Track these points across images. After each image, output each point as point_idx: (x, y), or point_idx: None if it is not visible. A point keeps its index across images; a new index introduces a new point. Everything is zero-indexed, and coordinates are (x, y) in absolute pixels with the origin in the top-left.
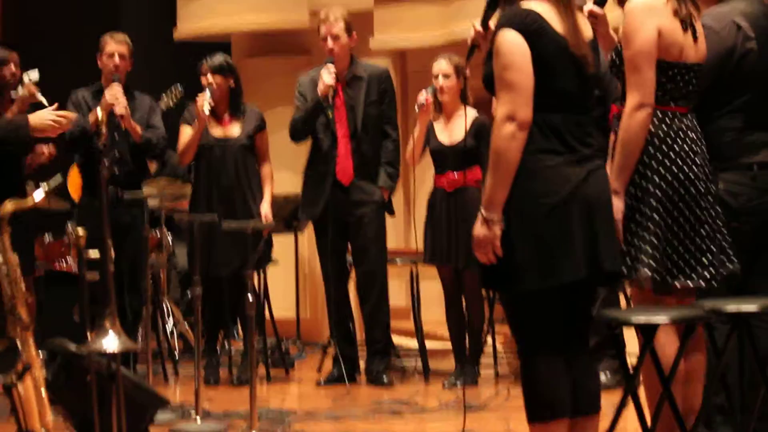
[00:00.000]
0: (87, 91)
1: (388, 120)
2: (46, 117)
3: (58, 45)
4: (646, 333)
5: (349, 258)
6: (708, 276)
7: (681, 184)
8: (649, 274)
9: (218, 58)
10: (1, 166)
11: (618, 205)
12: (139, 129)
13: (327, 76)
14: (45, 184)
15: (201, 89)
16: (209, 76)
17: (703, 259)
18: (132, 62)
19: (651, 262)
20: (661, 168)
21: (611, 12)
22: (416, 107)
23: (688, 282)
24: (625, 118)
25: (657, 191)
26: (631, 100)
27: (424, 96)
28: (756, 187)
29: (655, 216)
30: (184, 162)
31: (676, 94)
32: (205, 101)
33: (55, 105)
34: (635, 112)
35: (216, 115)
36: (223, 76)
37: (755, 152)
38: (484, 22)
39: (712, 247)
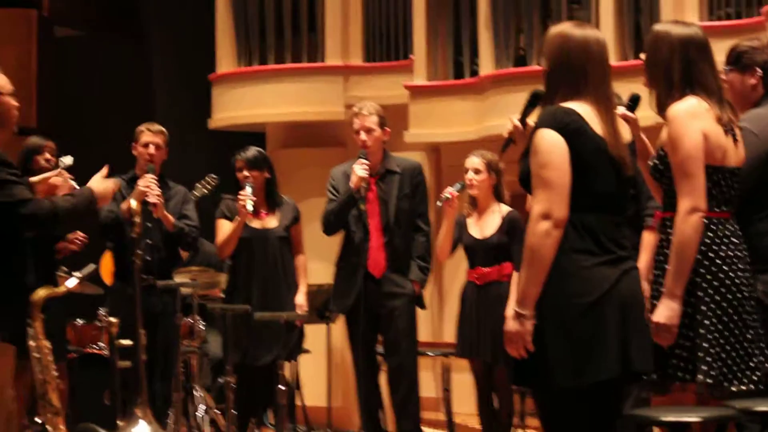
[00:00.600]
0: (121, 180)
1: (420, 214)
2: (105, 184)
3: (94, 133)
4: None
5: (380, 349)
6: (756, 378)
7: (728, 289)
8: (703, 378)
9: (252, 152)
10: (34, 252)
11: (676, 308)
12: (171, 218)
13: (360, 169)
14: (78, 273)
15: (234, 178)
16: (245, 172)
17: (751, 362)
18: (167, 152)
19: (705, 367)
20: (708, 274)
21: (641, 113)
22: (437, 203)
23: (742, 387)
24: (678, 223)
25: (706, 297)
26: (684, 204)
27: (447, 192)
28: None
29: (706, 321)
30: (223, 255)
31: (720, 198)
32: (248, 200)
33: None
34: (689, 216)
35: (253, 207)
36: (258, 170)
37: None
38: (523, 119)
39: (756, 350)
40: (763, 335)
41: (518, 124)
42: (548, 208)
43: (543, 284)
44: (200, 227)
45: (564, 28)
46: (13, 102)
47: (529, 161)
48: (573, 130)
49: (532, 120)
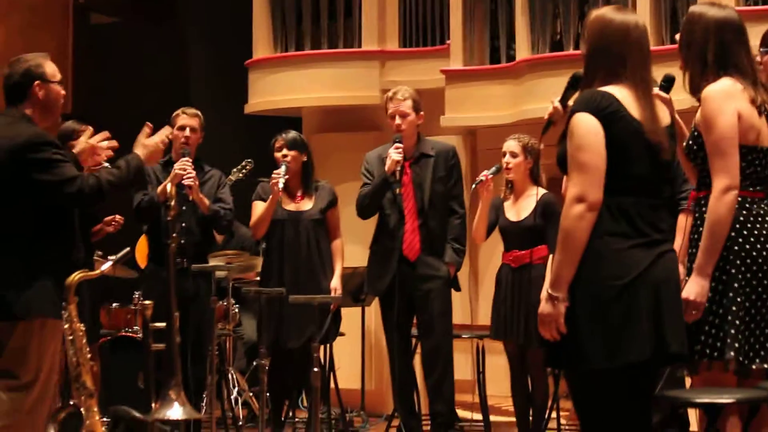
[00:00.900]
0: (157, 164)
1: (455, 197)
2: (151, 146)
3: (129, 118)
4: (711, 414)
5: (415, 331)
6: None
7: (759, 268)
8: (734, 355)
9: (292, 134)
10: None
11: (705, 285)
12: (206, 201)
13: (395, 153)
14: (114, 257)
15: (270, 163)
16: (284, 151)
17: None
18: (202, 136)
19: (735, 344)
20: (742, 252)
21: (676, 96)
22: (472, 186)
23: (764, 365)
24: (713, 201)
25: (739, 275)
26: (719, 183)
27: (482, 175)
28: None
29: (738, 299)
30: (257, 236)
31: (754, 178)
32: (280, 176)
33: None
34: (723, 195)
35: (289, 190)
36: (297, 151)
37: None
38: (563, 101)
39: None
40: None
41: (558, 106)
42: (583, 191)
43: (577, 267)
44: (235, 210)
45: (604, 12)
46: (61, 90)
47: (566, 144)
48: (609, 113)
49: (572, 102)
